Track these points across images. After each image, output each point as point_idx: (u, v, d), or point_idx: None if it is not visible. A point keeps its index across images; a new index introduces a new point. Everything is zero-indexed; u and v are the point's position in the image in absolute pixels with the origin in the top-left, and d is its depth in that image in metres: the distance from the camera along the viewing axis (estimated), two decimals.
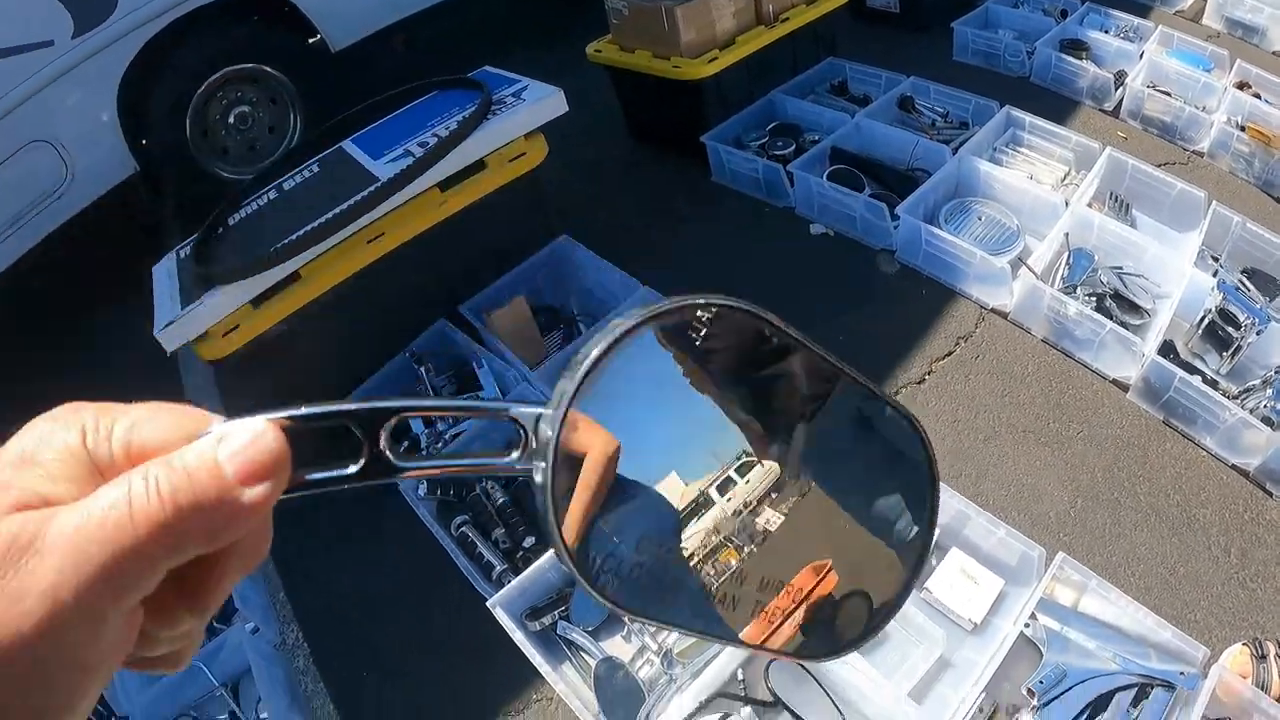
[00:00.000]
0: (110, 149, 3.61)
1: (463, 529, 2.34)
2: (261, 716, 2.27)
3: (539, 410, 0.48)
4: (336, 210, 2.50)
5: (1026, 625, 2.03)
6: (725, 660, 1.97)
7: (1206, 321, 2.76)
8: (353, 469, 0.45)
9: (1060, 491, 2.40)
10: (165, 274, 2.61)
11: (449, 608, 2.35)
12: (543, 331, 2.79)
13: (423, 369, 2.70)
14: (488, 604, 2.09)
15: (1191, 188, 3.00)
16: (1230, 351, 2.72)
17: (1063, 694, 2.08)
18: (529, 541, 2.26)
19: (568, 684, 2.05)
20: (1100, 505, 2.39)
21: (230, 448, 0.39)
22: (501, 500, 2.39)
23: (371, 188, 2.51)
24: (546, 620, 2.15)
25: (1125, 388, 2.62)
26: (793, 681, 2.00)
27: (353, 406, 0.45)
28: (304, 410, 0.43)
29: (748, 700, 2.01)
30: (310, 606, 2.55)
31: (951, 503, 2.13)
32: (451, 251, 2.79)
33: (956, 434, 2.49)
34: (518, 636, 2.05)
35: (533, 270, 2.87)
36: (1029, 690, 2.04)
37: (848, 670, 1.94)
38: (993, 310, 2.77)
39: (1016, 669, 2.02)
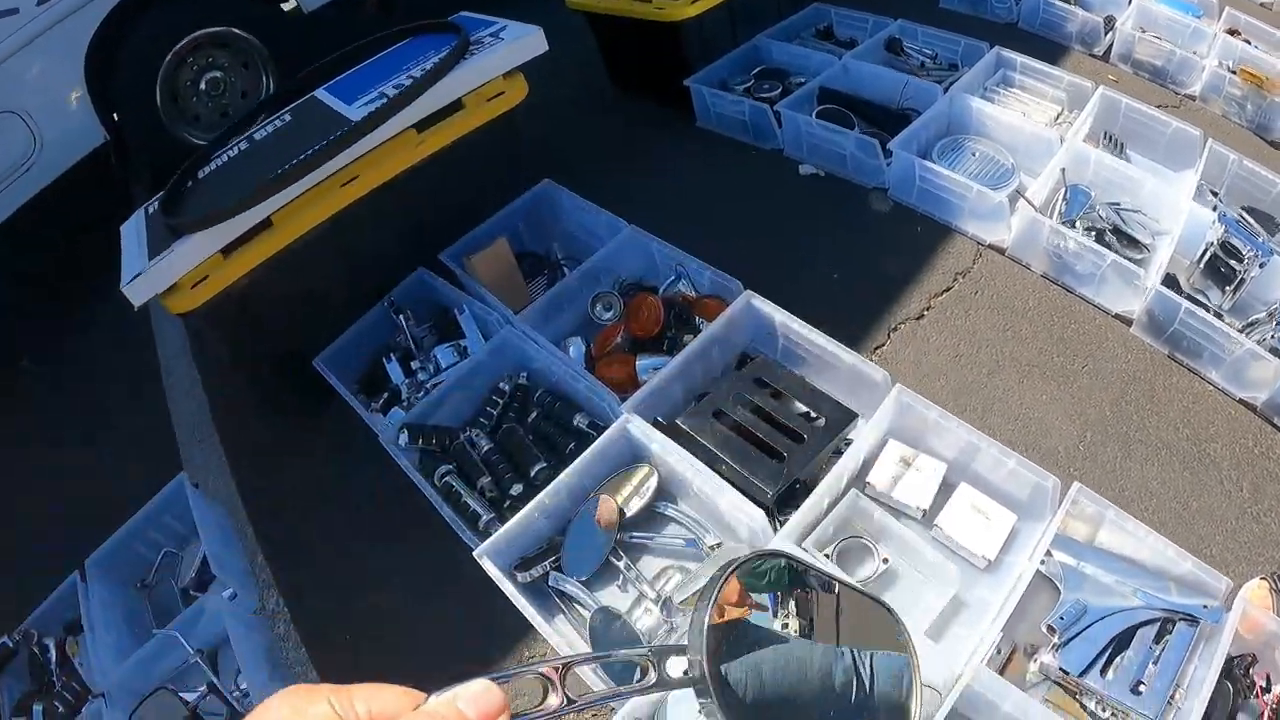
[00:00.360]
0: (79, 118, 3.45)
1: (447, 479, 2.19)
2: (241, 686, 2.11)
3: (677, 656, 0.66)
4: (308, 152, 2.33)
5: (1043, 561, 1.89)
6: None
7: (1208, 255, 2.63)
8: (553, 702, 0.58)
9: (1068, 426, 2.27)
10: (133, 231, 2.45)
11: (434, 563, 2.21)
12: (526, 278, 2.62)
13: (401, 318, 2.53)
14: (475, 554, 1.94)
15: (1187, 125, 2.86)
16: (1233, 286, 2.59)
17: (1083, 630, 1.95)
18: (516, 489, 2.11)
19: (562, 637, 1.91)
20: (1110, 439, 2.26)
21: (467, 698, 0.53)
22: (487, 448, 2.24)
23: (344, 129, 2.34)
24: (537, 571, 2.01)
25: (1128, 322, 2.49)
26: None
27: (544, 666, 0.58)
28: (508, 671, 0.56)
29: None
30: (290, 571, 2.40)
31: (959, 433, 1.98)
32: (430, 196, 2.64)
33: (959, 368, 2.36)
34: (508, 588, 1.91)
35: (514, 216, 2.71)
36: (1049, 627, 1.91)
37: None
38: (990, 246, 2.64)
39: (1033, 607, 1.91)
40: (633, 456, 2.12)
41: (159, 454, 2.82)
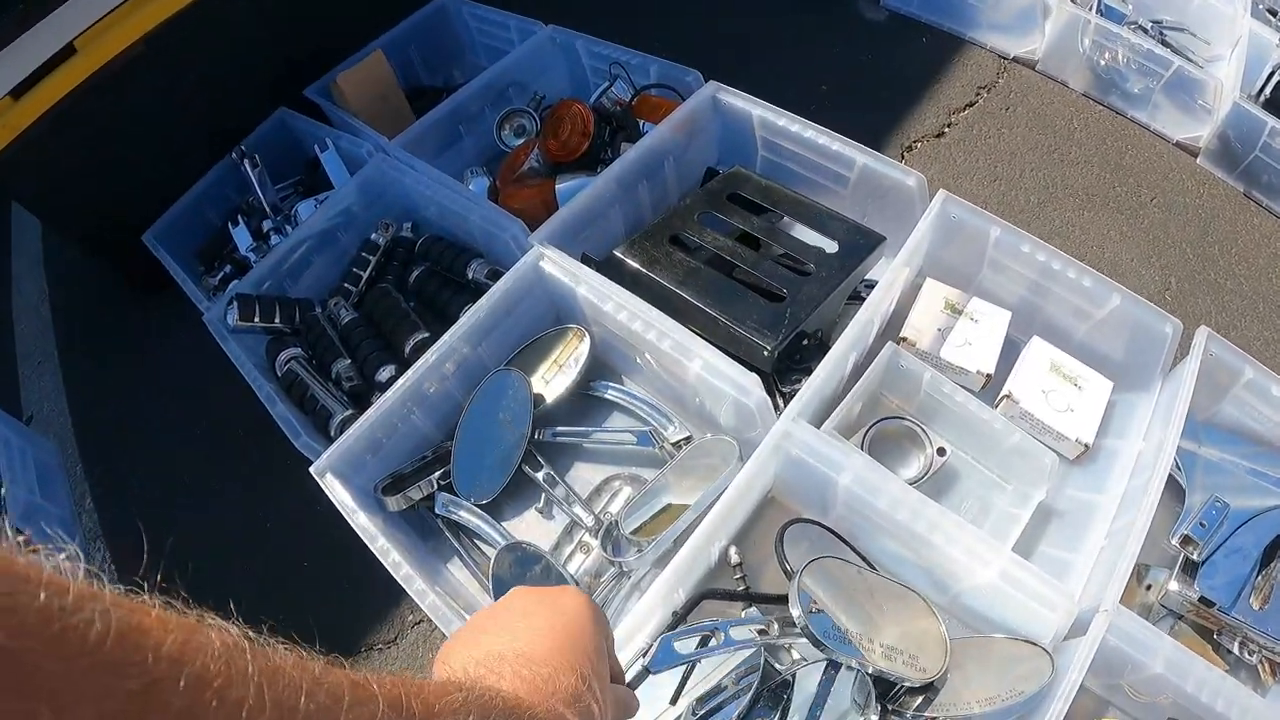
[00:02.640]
0: None
1: (290, 365, 1.32)
2: None
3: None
4: None
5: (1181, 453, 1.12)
6: (704, 536, 0.97)
7: (1276, 82, 1.82)
8: None
9: (1147, 269, 1.50)
10: None
11: (286, 491, 1.35)
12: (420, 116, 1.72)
13: (247, 164, 1.63)
14: (312, 470, 1.08)
15: None
16: None
17: (1225, 542, 1.17)
18: (385, 372, 1.27)
19: (447, 590, 1.07)
20: (1199, 288, 1.50)
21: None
22: (348, 319, 1.37)
23: None
24: (416, 495, 1.15)
25: (1194, 152, 1.69)
26: (829, 558, 1.02)
27: None
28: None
29: (754, 597, 1.04)
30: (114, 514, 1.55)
31: (1035, 258, 1.19)
32: (287, 12, 1.74)
33: (1000, 192, 1.57)
34: (359, 521, 1.06)
35: (403, 41, 1.83)
36: (1184, 538, 1.12)
37: (903, 540, 1.00)
38: (1016, 60, 1.83)
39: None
40: (554, 316, 1.26)
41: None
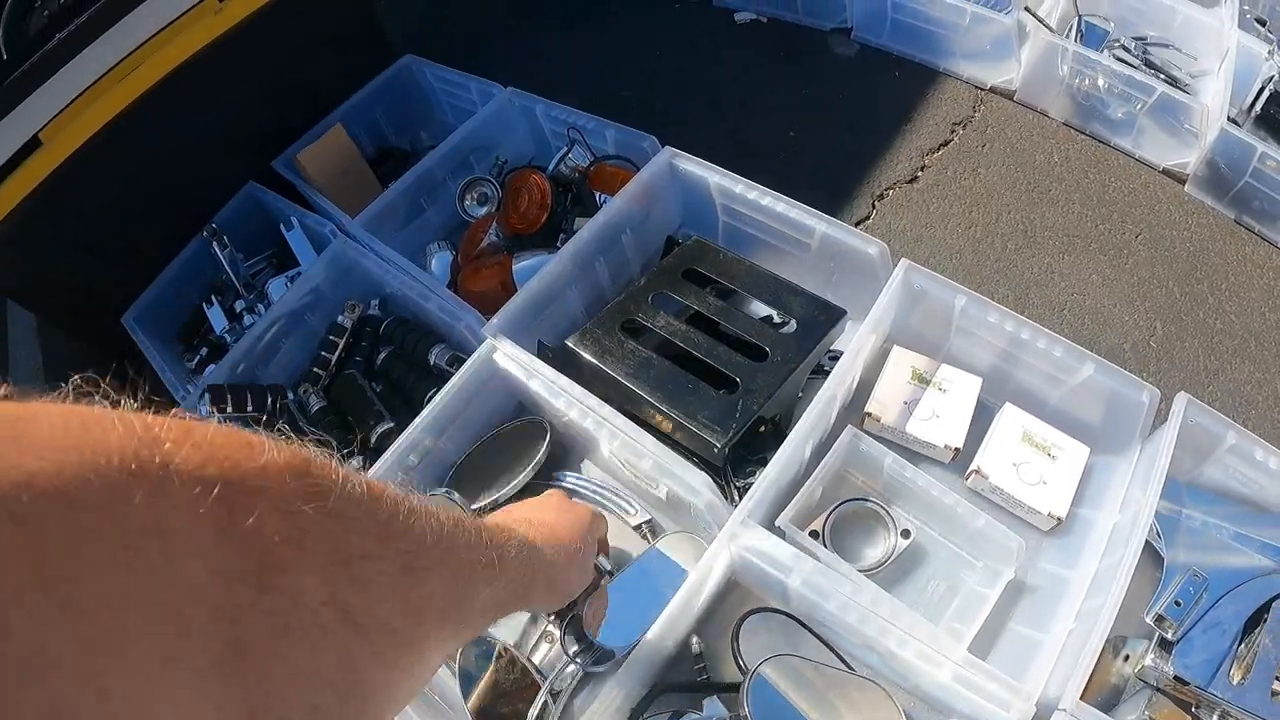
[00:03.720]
0: None
1: None
2: None
3: None
4: (69, 30, 1.47)
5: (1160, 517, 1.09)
6: (663, 629, 0.96)
7: (1266, 96, 1.76)
8: None
9: (1132, 315, 1.46)
10: None
11: None
12: (387, 181, 1.71)
13: (215, 245, 1.64)
14: None
15: None
16: None
17: (1204, 615, 1.14)
18: (354, 463, 1.24)
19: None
20: (1186, 331, 1.46)
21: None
22: (318, 407, 1.37)
23: None
24: None
25: (1181, 180, 1.65)
26: (783, 656, 1.01)
27: None
28: None
29: (712, 687, 1.03)
30: None
31: (1003, 327, 1.16)
32: (251, 86, 1.76)
33: (975, 241, 1.53)
34: None
35: (368, 104, 1.83)
36: (1158, 618, 1.09)
37: (867, 637, 0.98)
38: (993, 90, 1.78)
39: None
40: (514, 405, 1.26)
41: None
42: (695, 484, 1.00)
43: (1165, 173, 1.69)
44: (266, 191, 1.73)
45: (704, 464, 1.09)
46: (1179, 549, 1.18)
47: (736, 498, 1.06)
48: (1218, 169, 1.70)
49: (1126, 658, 1.12)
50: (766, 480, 1.02)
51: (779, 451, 1.04)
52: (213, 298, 1.67)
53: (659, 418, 1.09)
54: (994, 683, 0.92)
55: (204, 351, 1.64)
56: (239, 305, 1.64)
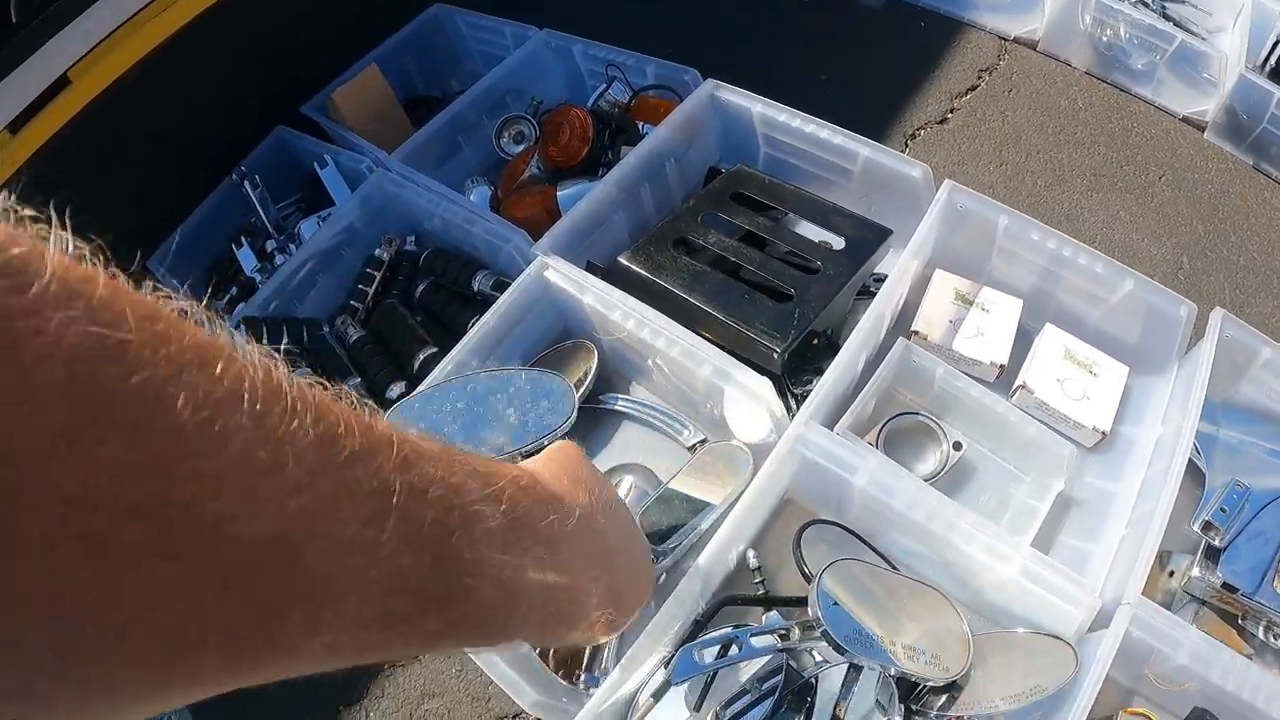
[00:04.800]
0: None
1: None
2: None
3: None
4: None
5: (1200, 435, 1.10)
6: (723, 541, 0.97)
7: (1277, 54, 1.79)
8: None
9: (1159, 249, 1.48)
10: None
11: None
12: (420, 125, 1.71)
13: (247, 185, 1.63)
14: None
15: None
16: None
17: (1247, 526, 1.15)
18: (394, 390, 1.25)
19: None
20: (1212, 266, 1.48)
21: None
22: (356, 337, 1.36)
23: None
24: None
25: (1201, 127, 1.67)
26: (849, 560, 1.02)
27: None
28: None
29: (773, 601, 1.03)
30: None
31: (1045, 245, 1.17)
32: (280, 32, 1.76)
33: (1007, 176, 1.55)
34: None
35: (397, 53, 1.82)
36: (1205, 524, 1.11)
37: (921, 539, 0.99)
38: (1016, 41, 1.80)
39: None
40: (561, 327, 1.26)
41: None
42: (757, 387, 1.00)
43: (1185, 120, 1.72)
44: (296, 134, 1.72)
45: (760, 372, 1.10)
46: (1218, 467, 1.20)
47: (795, 406, 1.07)
48: (1236, 116, 1.73)
49: (1172, 573, 1.14)
50: (825, 386, 1.03)
51: (835, 360, 1.05)
52: (242, 239, 1.66)
53: (716, 329, 1.10)
54: (1061, 578, 0.94)
55: (234, 291, 1.63)
56: (270, 245, 1.63)
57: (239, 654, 0.26)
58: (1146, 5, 1.90)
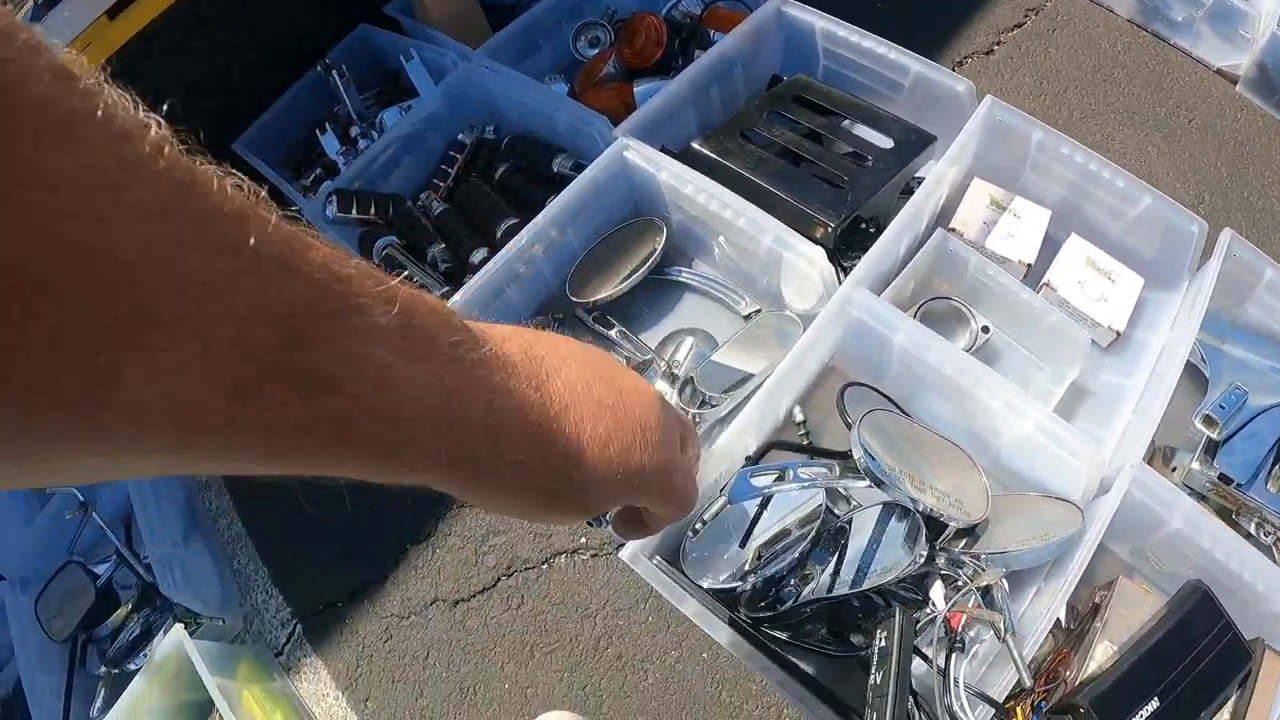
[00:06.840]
0: None
1: (388, 251, 1.45)
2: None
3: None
4: None
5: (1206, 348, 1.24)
6: (773, 392, 1.11)
7: None
8: None
9: (1182, 184, 1.60)
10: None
11: None
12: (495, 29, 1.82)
13: (335, 75, 1.75)
14: None
15: None
16: None
17: (1245, 426, 1.28)
18: (478, 255, 1.39)
19: None
20: (1231, 204, 1.60)
21: None
22: (440, 209, 1.50)
23: None
24: None
25: (1233, 80, 1.77)
26: (885, 410, 1.16)
27: None
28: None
29: (817, 451, 1.17)
30: None
31: (1073, 160, 1.29)
32: None
33: (1044, 106, 1.69)
34: None
35: None
36: (1205, 418, 1.24)
37: (950, 395, 1.13)
38: None
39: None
40: (631, 207, 1.39)
41: None
42: (814, 255, 1.14)
43: (1219, 72, 1.82)
44: (379, 31, 1.84)
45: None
46: (1222, 376, 1.32)
47: (843, 276, 1.21)
48: (1267, 71, 1.83)
49: (1174, 469, 1.27)
50: (871, 259, 1.16)
51: (878, 240, 1.19)
52: (326, 126, 1.79)
53: (776, 206, 1.23)
54: (1072, 436, 1.07)
55: (318, 171, 1.76)
56: (354, 131, 1.76)
57: (75, 403, 0.24)
58: None
